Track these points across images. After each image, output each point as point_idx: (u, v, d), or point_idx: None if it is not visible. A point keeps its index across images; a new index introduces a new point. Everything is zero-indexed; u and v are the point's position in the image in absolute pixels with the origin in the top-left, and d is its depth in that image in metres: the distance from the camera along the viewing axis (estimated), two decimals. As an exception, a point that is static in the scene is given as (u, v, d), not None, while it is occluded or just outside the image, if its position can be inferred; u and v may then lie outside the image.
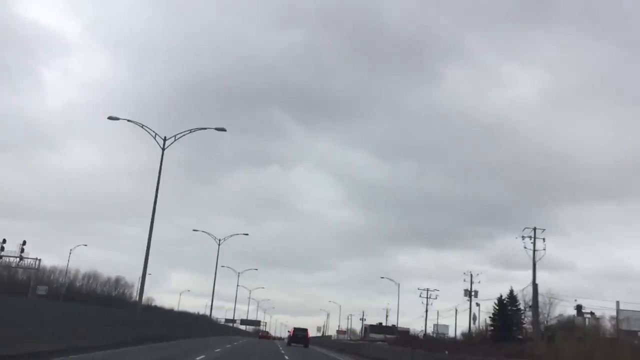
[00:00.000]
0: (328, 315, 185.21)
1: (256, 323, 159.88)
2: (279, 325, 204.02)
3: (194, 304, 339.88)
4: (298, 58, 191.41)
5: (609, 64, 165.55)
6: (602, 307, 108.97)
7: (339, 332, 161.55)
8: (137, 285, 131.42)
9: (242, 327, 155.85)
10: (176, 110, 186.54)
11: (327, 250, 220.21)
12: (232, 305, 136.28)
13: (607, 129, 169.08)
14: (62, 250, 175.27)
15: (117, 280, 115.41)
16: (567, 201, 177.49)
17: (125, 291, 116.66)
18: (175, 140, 41.95)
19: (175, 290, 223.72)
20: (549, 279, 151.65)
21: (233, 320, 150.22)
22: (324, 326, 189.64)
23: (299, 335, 61.83)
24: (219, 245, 72.73)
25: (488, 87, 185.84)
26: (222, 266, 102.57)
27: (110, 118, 41.07)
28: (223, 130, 43.60)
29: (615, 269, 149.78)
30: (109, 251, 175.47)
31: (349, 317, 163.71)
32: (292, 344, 60.76)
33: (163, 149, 41.43)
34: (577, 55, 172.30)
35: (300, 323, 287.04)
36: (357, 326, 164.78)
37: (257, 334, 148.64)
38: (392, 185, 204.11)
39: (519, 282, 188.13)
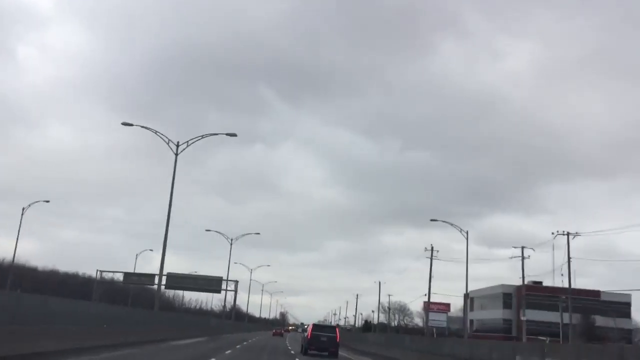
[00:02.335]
0: (347, 302, 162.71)
1: (214, 285, 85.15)
2: (269, 304, 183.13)
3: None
4: (285, 31, 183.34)
5: (605, 36, 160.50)
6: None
7: (430, 304, 75.86)
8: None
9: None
10: (158, 85, 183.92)
11: (312, 231, 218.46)
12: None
13: (602, 104, 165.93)
14: (41, 233, 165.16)
15: None
16: (557, 178, 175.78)
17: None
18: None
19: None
20: (534, 257, 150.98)
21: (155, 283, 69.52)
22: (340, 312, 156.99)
23: (321, 339, 37.67)
24: (176, 155, 41.12)
25: (480, 60, 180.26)
26: (208, 230, 79.76)
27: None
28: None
29: (601, 248, 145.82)
30: (88, 233, 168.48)
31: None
32: (311, 352, 37.99)
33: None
34: (572, 27, 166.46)
35: (288, 302, 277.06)
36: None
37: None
38: (379, 163, 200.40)
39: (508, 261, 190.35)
